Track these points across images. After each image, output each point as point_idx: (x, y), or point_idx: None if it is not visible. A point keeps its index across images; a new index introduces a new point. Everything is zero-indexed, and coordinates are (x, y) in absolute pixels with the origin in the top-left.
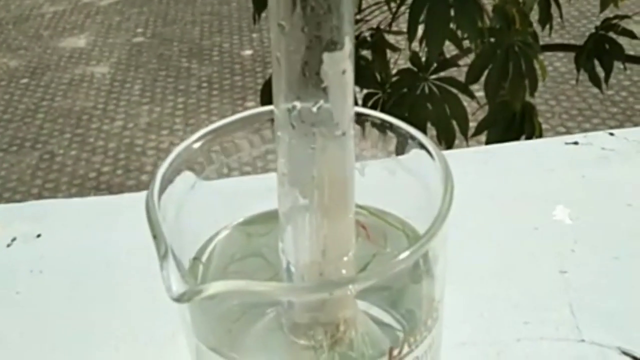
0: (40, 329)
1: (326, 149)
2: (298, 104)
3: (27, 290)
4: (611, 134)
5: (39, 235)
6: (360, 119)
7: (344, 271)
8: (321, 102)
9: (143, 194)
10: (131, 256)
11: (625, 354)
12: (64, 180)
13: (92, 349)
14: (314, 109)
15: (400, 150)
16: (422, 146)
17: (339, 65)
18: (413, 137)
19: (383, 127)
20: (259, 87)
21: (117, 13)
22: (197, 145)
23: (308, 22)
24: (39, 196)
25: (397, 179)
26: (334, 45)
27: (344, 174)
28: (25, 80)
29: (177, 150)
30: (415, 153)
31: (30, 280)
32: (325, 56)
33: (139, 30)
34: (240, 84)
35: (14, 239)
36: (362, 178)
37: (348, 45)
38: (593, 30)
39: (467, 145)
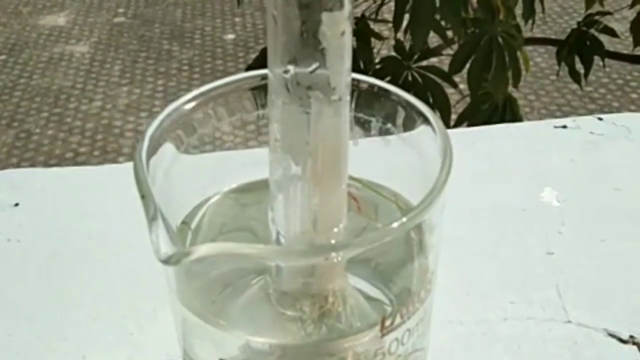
0: (16, 299)
1: (321, 114)
2: (294, 66)
3: (4, 259)
4: (600, 119)
5: (16, 204)
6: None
7: (333, 242)
8: (318, 64)
9: (122, 165)
10: (110, 227)
11: (612, 335)
12: (40, 159)
13: (69, 319)
14: (311, 72)
15: (398, 119)
16: (420, 115)
17: (338, 26)
18: (411, 105)
19: (379, 94)
20: (241, 72)
21: None
22: (188, 106)
23: None
24: None
25: (391, 149)
26: (333, 5)
27: (339, 140)
28: (3, 57)
29: (167, 110)
30: (412, 122)
31: (7, 249)
32: (325, 16)
33: (120, 10)
34: (221, 68)
35: None
36: (355, 147)
37: (347, 6)
38: (575, 27)
39: None
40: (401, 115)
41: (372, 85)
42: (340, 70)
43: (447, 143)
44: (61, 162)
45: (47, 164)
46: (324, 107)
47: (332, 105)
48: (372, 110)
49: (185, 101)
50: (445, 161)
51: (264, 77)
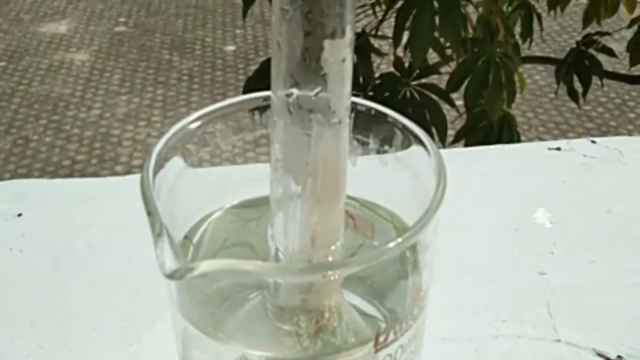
0: (18, 308)
1: (322, 136)
2: (296, 90)
3: (7, 268)
4: (593, 142)
5: (20, 214)
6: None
7: (331, 260)
8: (320, 89)
9: (124, 177)
10: (112, 239)
11: (600, 355)
12: (37, 166)
13: (70, 329)
14: (312, 96)
15: (395, 141)
16: (415, 137)
17: (340, 53)
18: (407, 128)
19: (376, 117)
20: (241, 84)
21: (100, 1)
22: (193, 125)
23: (312, 9)
24: None
25: (388, 170)
26: (335, 33)
27: (338, 161)
28: (2, 64)
29: (173, 129)
30: (408, 144)
31: (10, 258)
32: (327, 43)
33: (122, 19)
34: (221, 79)
35: None
36: (353, 168)
37: (349, 33)
38: (574, 45)
39: None
40: (397, 137)
41: (369, 108)
42: (341, 95)
43: (441, 165)
44: (58, 169)
45: (44, 171)
46: (325, 129)
47: (332, 128)
48: (369, 132)
49: (191, 120)
50: (439, 183)
51: (266, 98)
